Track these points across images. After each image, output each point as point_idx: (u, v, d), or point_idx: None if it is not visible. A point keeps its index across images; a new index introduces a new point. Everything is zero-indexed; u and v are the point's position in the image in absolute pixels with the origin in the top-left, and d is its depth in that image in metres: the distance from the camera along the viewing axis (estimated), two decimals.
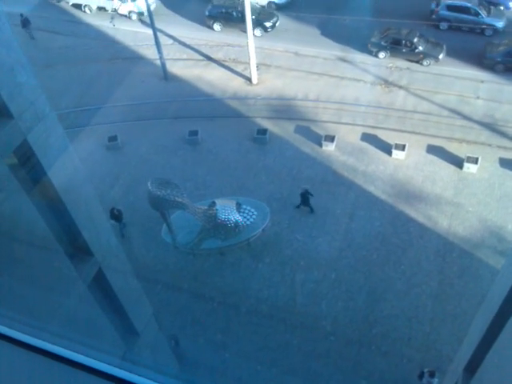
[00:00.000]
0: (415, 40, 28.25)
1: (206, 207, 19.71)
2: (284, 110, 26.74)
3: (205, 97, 27.87)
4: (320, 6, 31.72)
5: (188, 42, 31.61)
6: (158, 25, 31.59)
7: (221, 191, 22.46)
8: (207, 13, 31.57)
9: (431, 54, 28.28)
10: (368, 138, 24.90)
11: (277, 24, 31.64)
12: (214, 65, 30.09)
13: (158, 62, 28.74)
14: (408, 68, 28.54)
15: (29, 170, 9.03)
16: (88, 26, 33.08)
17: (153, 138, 25.69)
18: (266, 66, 29.44)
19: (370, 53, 29.15)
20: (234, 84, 28.75)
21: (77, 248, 10.40)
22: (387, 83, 27.84)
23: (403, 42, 28.42)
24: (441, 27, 30.49)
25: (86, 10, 34.22)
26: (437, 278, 19.60)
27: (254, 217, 20.40)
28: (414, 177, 23.13)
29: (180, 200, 18.57)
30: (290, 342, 18.11)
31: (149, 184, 18.56)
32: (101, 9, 32.94)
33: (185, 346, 17.93)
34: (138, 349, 12.62)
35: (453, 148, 24.09)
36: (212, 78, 29.11)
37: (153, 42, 28.00)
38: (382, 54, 29.00)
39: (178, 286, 19.91)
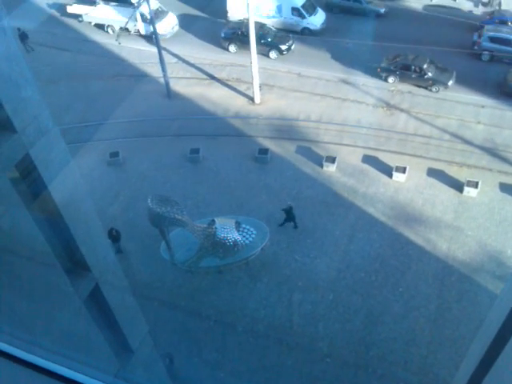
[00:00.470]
0: (424, 66, 28.21)
1: (205, 225, 19.70)
2: (286, 130, 26.90)
3: (207, 115, 28.06)
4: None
5: (192, 61, 31.94)
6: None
7: (220, 210, 22.47)
8: (223, 34, 31.79)
9: (440, 80, 28.22)
10: (369, 159, 25.00)
11: (292, 47, 31.82)
12: (217, 84, 30.36)
13: (162, 80, 29.01)
14: (410, 92, 28.77)
15: (30, 183, 9.07)
16: (94, 43, 33.47)
17: (154, 155, 25.80)
18: (268, 86, 29.70)
19: (379, 77, 29.26)
20: (237, 103, 28.97)
21: (74, 263, 10.38)
22: (389, 106, 28.05)
23: (412, 67, 28.43)
24: (483, 58, 30.11)
25: (109, 30, 34.20)
26: (435, 301, 19.49)
27: (253, 236, 20.37)
28: (414, 199, 23.16)
29: (179, 217, 18.58)
30: (285, 363, 17.95)
31: (149, 201, 18.59)
32: (123, 29, 33.01)
33: (179, 364, 17.76)
34: (131, 366, 12.51)
35: (453, 172, 24.17)
36: (215, 96, 29.34)
37: (157, 60, 28.30)
38: (391, 79, 29.07)
39: (174, 303, 19.80)
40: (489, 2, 34.65)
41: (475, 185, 22.99)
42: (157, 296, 19.66)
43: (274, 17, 32.91)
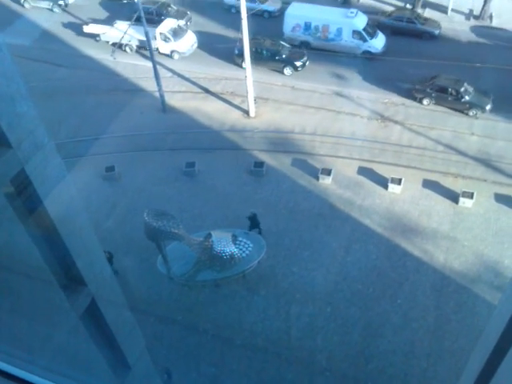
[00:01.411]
0: (461, 89, 27.49)
1: (201, 239, 19.66)
2: (281, 143, 26.98)
3: (202, 129, 28.13)
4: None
5: (187, 75, 32.09)
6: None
7: (217, 223, 22.43)
8: (236, 51, 31.41)
9: (478, 104, 27.43)
10: (364, 171, 25.06)
11: (307, 63, 31.71)
12: (212, 97, 30.48)
13: (157, 94, 29.11)
14: (403, 104, 28.95)
15: (25, 199, 9.02)
16: (89, 58, 33.58)
17: (150, 168, 25.80)
18: (263, 99, 29.84)
19: (413, 98, 28.75)
20: (232, 117, 29.07)
21: (70, 278, 10.30)
22: (383, 118, 28.20)
23: (449, 90, 27.73)
24: None
25: (127, 49, 34.00)
26: (433, 313, 19.44)
27: (249, 249, 20.32)
28: (410, 211, 23.19)
29: (176, 231, 18.53)
30: (284, 377, 17.80)
31: (145, 215, 18.54)
32: (141, 48, 33.10)
33: (177, 379, 17.60)
34: (129, 382, 12.37)
35: (448, 183, 24.25)
36: (210, 110, 29.44)
37: (152, 74, 28.43)
38: (426, 101, 28.44)
39: (171, 317, 19.66)
40: (480, 15, 35.05)
41: (470, 195, 23.07)
42: (154, 310, 19.52)
43: (332, 40, 32.22)
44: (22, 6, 38.95)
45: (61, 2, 38.19)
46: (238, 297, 20.21)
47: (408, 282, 20.44)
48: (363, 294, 20.13)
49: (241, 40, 31.83)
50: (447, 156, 25.61)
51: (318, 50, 32.18)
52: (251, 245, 20.45)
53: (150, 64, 28.87)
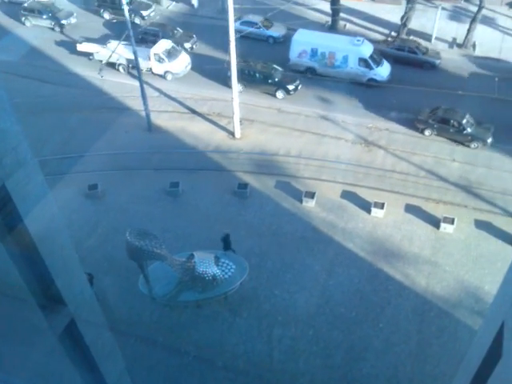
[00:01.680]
0: (463, 121, 27.61)
1: (184, 259, 19.52)
2: (265, 165, 27.10)
3: (187, 149, 28.16)
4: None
5: (173, 95, 32.23)
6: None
7: (200, 244, 22.31)
8: (229, 73, 30.56)
9: (480, 136, 27.53)
10: (348, 195, 25.24)
11: (299, 87, 32.05)
12: (198, 118, 30.60)
13: (143, 114, 29.15)
14: (387, 129, 29.35)
15: (5, 215, 8.88)
16: (76, 76, 33.59)
17: (134, 188, 25.68)
18: (249, 120, 30.04)
19: (416, 129, 28.88)
20: (217, 137, 29.17)
21: (49, 297, 10.12)
22: (367, 142, 28.53)
23: (451, 121, 27.86)
24: None
25: (120, 68, 34.02)
26: (415, 337, 19.44)
27: (232, 270, 20.22)
28: (393, 235, 23.34)
29: (158, 251, 18.38)
30: None
31: (127, 234, 18.37)
32: (134, 67, 32.88)
33: None
34: None
35: (430, 208, 24.52)
36: (196, 130, 29.53)
37: (139, 93, 28.49)
38: (427, 132, 28.56)
39: (152, 338, 19.37)
40: (464, 43, 35.91)
41: (451, 221, 23.34)
42: (134, 331, 19.23)
43: (339, 66, 32.40)
44: (23, 24, 38.88)
45: (63, 22, 38.24)
46: (220, 318, 20.02)
47: (390, 306, 20.47)
48: (346, 317, 20.09)
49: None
50: (429, 181, 25.96)
51: (323, 77, 32.51)
52: (234, 266, 20.37)
53: (137, 83, 28.96)
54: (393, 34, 37.41)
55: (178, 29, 36.83)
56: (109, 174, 26.26)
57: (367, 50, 32.39)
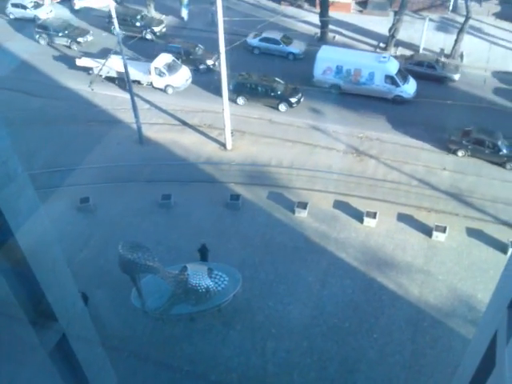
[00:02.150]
0: (499, 142, 27.31)
1: (177, 272, 19.40)
2: (257, 176, 27.12)
3: (179, 161, 28.14)
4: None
5: (164, 107, 32.26)
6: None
7: (192, 256, 22.20)
8: (231, 87, 31.05)
9: None
10: (340, 205, 25.29)
11: (301, 100, 32.03)
12: (189, 130, 30.62)
13: (134, 126, 29.12)
14: (378, 139, 29.52)
15: None
16: (67, 89, 33.54)
17: (125, 200, 25.58)
18: (240, 132, 30.10)
19: (448, 150, 28.37)
20: (209, 149, 29.19)
21: (40, 312, 9.99)
22: (358, 152, 28.66)
23: (486, 143, 27.46)
24: None
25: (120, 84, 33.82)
26: (409, 347, 19.41)
27: (225, 282, 20.12)
28: (385, 244, 23.39)
29: (151, 264, 18.26)
30: None
31: (120, 247, 18.25)
32: (134, 82, 32.69)
33: None
34: None
35: (422, 217, 24.62)
36: (187, 142, 29.54)
37: (130, 106, 28.49)
38: (461, 153, 28.10)
39: (145, 353, 19.20)
40: (451, 54, 36.30)
41: (443, 229, 23.44)
42: (127, 346, 19.04)
43: (364, 84, 32.15)
44: (37, 42, 38.68)
45: (80, 40, 38.02)
46: (214, 331, 19.89)
47: (384, 316, 20.44)
48: (340, 328, 20.03)
49: (236, 75, 31.83)
50: (420, 190, 26.09)
51: (348, 94, 32.35)
52: (227, 278, 20.27)
53: (127, 95, 28.97)
54: (381, 45, 37.78)
55: (200, 46, 36.49)
56: (100, 187, 26.15)
57: (393, 66, 32.23)
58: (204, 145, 29.52)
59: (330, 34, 39.12)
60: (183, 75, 33.85)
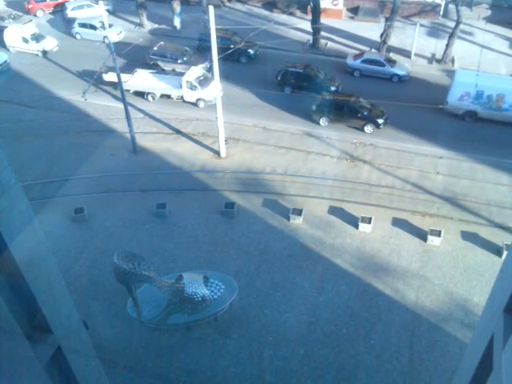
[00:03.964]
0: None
1: (172, 281, 19.34)
2: (252, 183, 27.13)
3: (173, 170, 28.12)
4: None
5: (158, 116, 32.26)
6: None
7: (188, 265, 22.15)
8: (314, 107, 31.08)
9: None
10: (335, 211, 25.32)
11: (388, 121, 30.97)
12: (183, 138, 30.63)
13: (128, 135, 29.11)
14: (371, 144, 29.62)
15: None
16: (60, 99, 33.53)
17: (120, 210, 25.51)
18: (234, 139, 30.14)
19: None
20: (203, 157, 29.20)
21: (34, 325, 9.91)
22: (352, 158, 28.74)
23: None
24: None
25: (149, 97, 33.67)
26: (407, 353, 19.36)
27: (221, 291, 20.06)
28: (381, 249, 23.40)
29: (147, 273, 18.18)
30: None
31: (115, 257, 18.16)
32: (163, 96, 32.70)
33: None
34: None
35: (416, 221, 24.67)
36: (181, 151, 29.53)
37: (123, 115, 28.49)
38: None
39: (141, 364, 19.04)
40: (442, 59, 36.56)
41: (438, 233, 23.49)
42: (123, 358, 18.89)
43: (506, 110, 30.44)
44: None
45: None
46: (210, 340, 19.79)
47: (381, 322, 20.40)
48: (336, 335, 19.97)
49: (318, 96, 31.28)
50: (414, 195, 26.16)
51: (487, 121, 31.04)
52: (223, 286, 20.22)
53: (121, 105, 28.96)
54: (373, 50, 38.01)
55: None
56: (95, 197, 26.09)
57: None
58: (198, 153, 29.53)
59: (322, 41, 39.36)
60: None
